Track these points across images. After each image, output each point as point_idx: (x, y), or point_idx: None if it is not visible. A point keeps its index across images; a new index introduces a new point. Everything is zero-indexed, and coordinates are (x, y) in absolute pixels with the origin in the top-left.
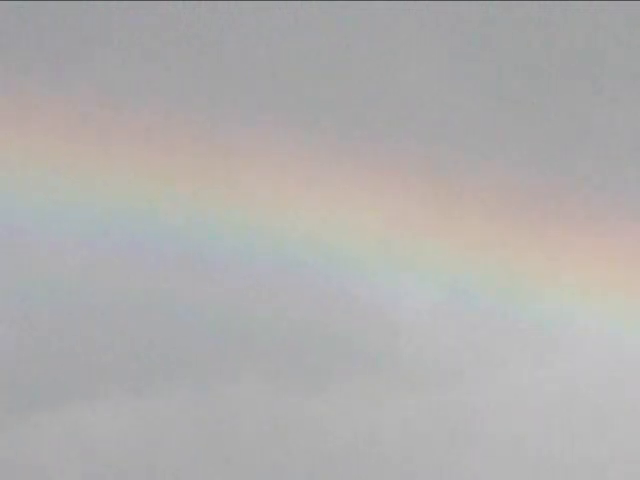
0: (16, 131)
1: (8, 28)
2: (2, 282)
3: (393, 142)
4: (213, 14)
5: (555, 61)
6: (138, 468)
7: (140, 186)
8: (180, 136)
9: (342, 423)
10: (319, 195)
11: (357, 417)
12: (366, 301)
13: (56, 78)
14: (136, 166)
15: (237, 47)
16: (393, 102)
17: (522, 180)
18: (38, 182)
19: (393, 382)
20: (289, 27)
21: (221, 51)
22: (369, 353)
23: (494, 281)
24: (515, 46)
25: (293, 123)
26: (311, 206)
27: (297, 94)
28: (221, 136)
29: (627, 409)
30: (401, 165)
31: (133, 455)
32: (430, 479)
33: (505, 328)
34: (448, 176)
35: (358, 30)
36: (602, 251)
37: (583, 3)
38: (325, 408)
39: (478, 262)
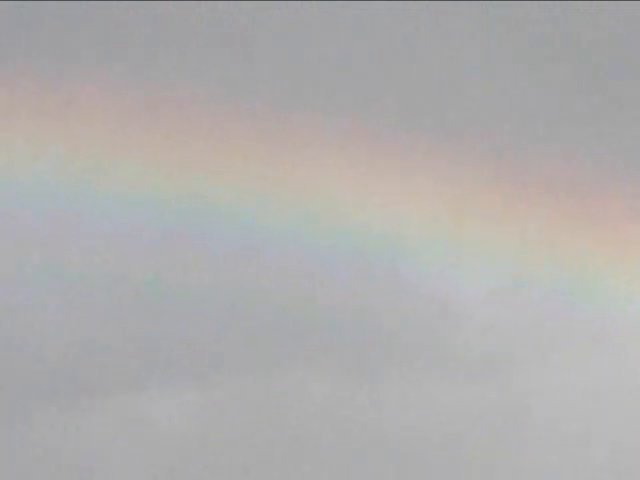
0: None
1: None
2: (54, 271)
3: (456, 129)
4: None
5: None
6: (185, 458)
7: (153, 177)
8: (194, 125)
9: (396, 414)
10: (376, 182)
11: (411, 407)
12: (422, 289)
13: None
14: (149, 156)
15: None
16: (454, 91)
17: (592, 169)
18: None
19: (445, 372)
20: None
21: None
22: (422, 343)
23: (551, 272)
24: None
25: (341, 110)
26: (359, 194)
27: (346, 82)
28: (236, 131)
29: None
30: (464, 151)
31: (180, 443)
32: (488, 464)
33: (562, 320)
34: (513, 163)
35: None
36: None
37: None
38: (378, 399)
39: (536, 252)
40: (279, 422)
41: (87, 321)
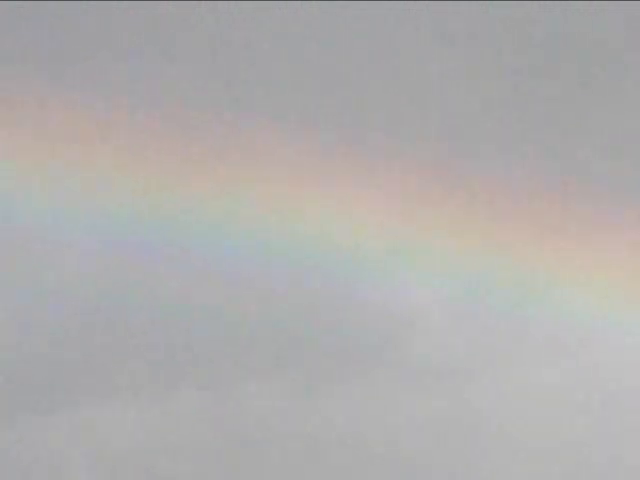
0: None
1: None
2: (17, 283)
3: (405, 145)
4: (220, 15)
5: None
6: (147, 469)
7: (150, 191)
8: (190, 139)
9: (350, 423)
10: (330, 196)
11: (365, 417)
12: (376, 301)
13: (59, 80)
14: (144, 170)
15: (246, 48)
16: (405, 106)
17: (534, 180)
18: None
19: (402, 382)
20: (299, 32)
21: (235, 52)
22: (378, 353)
23: (504, 281)
24: (524, 47)
25: (303, 126)
26: (322, 207)
27: (310, 100)
28: (232, 138)
29: (634, 410)
30: (413, 166)
31: (142, 456)
32: (442, 475)
33: (514, 328)
34: (459, 177)
35: (368, 36)
36: (616, 253)
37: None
38: (333, 408)
39: (489, 262)
40: (237, 435)
41: (46, 335)
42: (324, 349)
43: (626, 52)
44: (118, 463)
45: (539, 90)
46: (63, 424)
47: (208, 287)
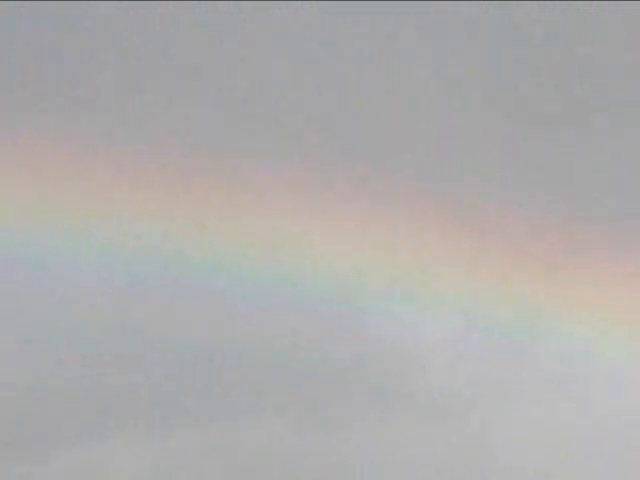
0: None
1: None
2: (10, 318)
3: (409, 179)
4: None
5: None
6: None
7: (124, 233)
8: (193, 176)
9: (357, 457)
10: (333, 230)
11: (373, 451)
12: (382, 336)
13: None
14: (145, 199)
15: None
16: (412, 140)
17: (539, 215)
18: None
19: (409, 415)
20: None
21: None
22: (385, 387)
23: (509, 315)
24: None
25: (305, 157)
26: (325, 241)
27: (310, 131)
28: (230, 170)
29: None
30: (417, 201)
31: None
32: None
33: (520, 361)
34: (463, 212)
35: (365, 58)
36: (621, 286)
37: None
38: (341, 443)
39: (493, 296)
40: (239, 468)
41: (45, 370)
42: (328, 384)
43: (627, 79)
44: None
45: (541, 133)
46: (56, 461)
47: (209, 323)
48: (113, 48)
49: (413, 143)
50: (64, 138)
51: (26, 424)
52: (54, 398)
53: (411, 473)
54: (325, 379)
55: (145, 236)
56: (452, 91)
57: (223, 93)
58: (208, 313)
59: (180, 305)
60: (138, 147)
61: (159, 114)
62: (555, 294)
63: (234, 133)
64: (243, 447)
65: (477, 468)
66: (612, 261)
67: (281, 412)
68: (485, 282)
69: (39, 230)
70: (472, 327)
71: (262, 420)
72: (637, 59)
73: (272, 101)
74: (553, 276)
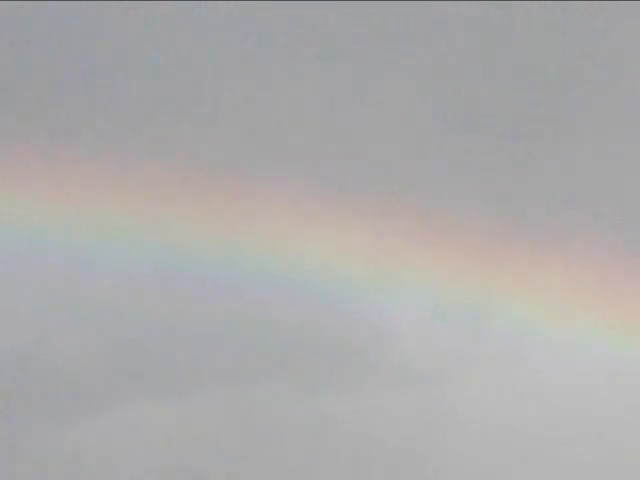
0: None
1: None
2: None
3: (389, 192)
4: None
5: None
6: (183, 461)
7: (151, 235)
8: (207, 191)
9: (343, 417)
10: (329, 233)
11: (362, 414)
12: (365, 319)
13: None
14: (166, 207)
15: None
16: (393, 163)
17: (493, 220)
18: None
19: (388, 382)
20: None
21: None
22: (369, 360)
23: (467, 302)
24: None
25: (308, 185)
26: (321, 246)
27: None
28: (240, 187)
29: (582, 400)
30: (394, 210)
31: (180, 451)
32: (422, 462)
33: (476, 338)
34: (432, 218)
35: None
36: (561, 276)
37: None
38: (336, 406)
39: (455, 287)
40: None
41: (99, 344)
42: (319, 358)
43: (574, 112)
44: (153, 454)
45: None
46: (105, 420)
47: (229, 308)
48: (134, 81)
49: (390, 164)
50: (110, 165)
51: (83, 388)
52: (103, 365)
53: (390, 428)
54: (317, 354)
55: (176, 242)
56: (419, 115)
57: (236, 126)
58: (227, 299)
59: (203, 293)
60: (167, 170)
61: (183, 142)
62: (504, 284)
63: (245, 158)
64: (254, 407)
65: (441, 423)
66: (550, 257)
67: (285, 383)
68: (448, 276)
69: (96, 240)
70: (437, 312)
71: (270, 389)
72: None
73: (279, 130)
74: (502, 270)
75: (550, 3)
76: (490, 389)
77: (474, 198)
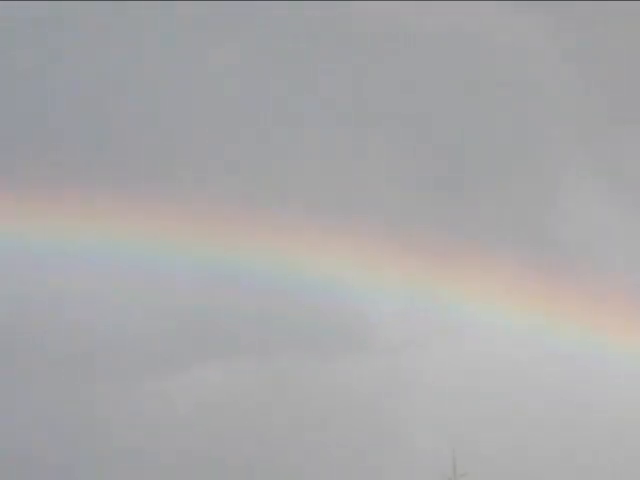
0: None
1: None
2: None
3: (373, 224)
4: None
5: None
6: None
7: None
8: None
9: (338, 381)
10: (321, 249)
11: (351, 376)
12: (354, 307)
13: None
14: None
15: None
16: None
17: (442, 243)
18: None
19: (370, 354)
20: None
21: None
22: (360, 336)
23: (427, 294)
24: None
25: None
26: (315, 255)
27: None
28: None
29: (503, 362)
30: (376, 236)
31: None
32: (392, 413)
33: (438, 322)
34: (402, 239)
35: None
36: (484, 279)
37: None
38: (333, 370)
39: (422, 285)
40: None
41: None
42: (329, 335)
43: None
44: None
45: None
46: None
47: (255, 299)
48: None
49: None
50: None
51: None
52: (165, 338)
53: (369, 386)
54: (323, 332)
55: (212, 254)
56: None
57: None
58: (257, 292)
59: (239, 287)
60: (208, 208)
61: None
62: (447, 284)
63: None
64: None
65: (409, 385)
66: (477, 266)
67: (297, 352)
68: (411, 279)
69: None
70: (406, 302)
71: (293, 354)
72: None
73: (289, 182)
74: (446, 275)
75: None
76: (444, 357)
77: (429, 227)
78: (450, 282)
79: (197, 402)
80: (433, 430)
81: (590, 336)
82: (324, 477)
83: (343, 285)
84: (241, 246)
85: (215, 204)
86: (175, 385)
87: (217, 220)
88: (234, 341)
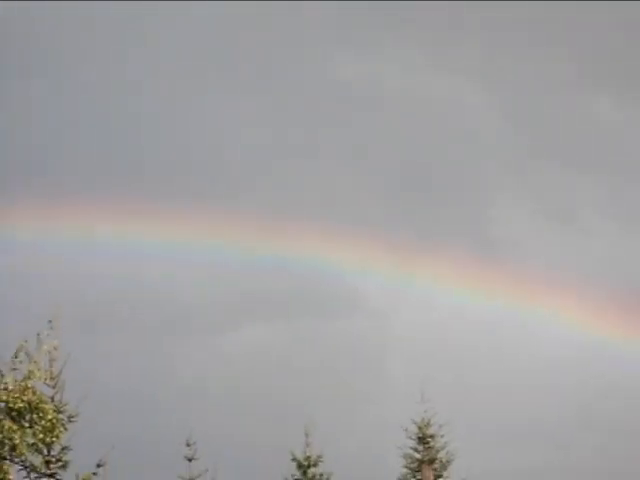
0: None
1: None
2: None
3: (365, 228)
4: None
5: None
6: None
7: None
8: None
9: (338, 335)
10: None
11: (349, 332)
12: (351, 283)
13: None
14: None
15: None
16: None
17: (414, 241)
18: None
19: (361, 316)
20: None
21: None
22: (353, 302)
23: (404, 274)
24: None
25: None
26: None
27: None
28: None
29: (466, 324)
30: (372, 238)
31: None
32: (376, 362)
33: (406, 293)
34: (384, 237)
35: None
36: (442, 265)
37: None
38: (335, 328)
39: (396, 267)
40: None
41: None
42: (337, 300)
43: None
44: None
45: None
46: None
47: (277, 274)
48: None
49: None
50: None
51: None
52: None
53: (361, 338)
54: (331, 298)
55: (254, 248)
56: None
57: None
58: (283, 274)
59: (270, 270)
60: (248, 217)
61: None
62: (417, 269)
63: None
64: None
65: (390, 337)
66: (438, 257)
67: (312, 312)
68: (391, 264)
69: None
70: (387, 280)
71: (307, 316)
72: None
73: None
74: (416, 263)
75: None
76: (414, 318)
77: (400, 230)
78: (416, 268)
79: (245, 352)
80: (407, 367)
81: (514, 308)
82: (329, 403)
83: (343, 269)
84: (273, 244)
85: (251, 213)
86: (229, 341)
87: (253, 224)
88: (270, 309)
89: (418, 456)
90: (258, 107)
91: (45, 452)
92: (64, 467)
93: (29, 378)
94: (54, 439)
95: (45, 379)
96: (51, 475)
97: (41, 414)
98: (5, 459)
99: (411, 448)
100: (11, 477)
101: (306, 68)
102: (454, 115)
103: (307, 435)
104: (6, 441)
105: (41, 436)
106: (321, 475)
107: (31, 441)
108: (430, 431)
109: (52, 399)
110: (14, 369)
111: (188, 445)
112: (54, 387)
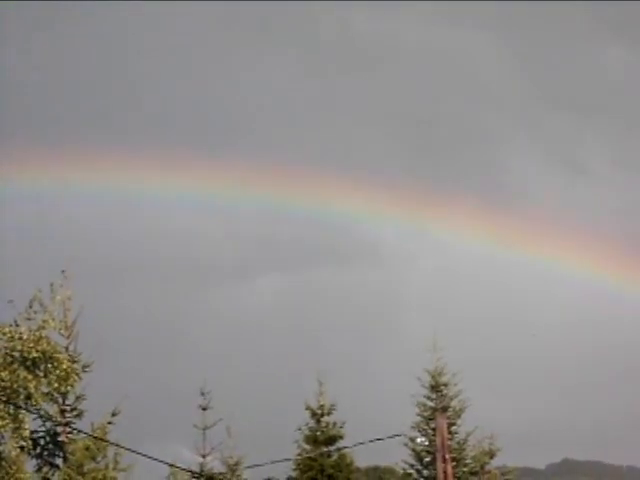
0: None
1: None
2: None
3: (382, 182)
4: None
5: None
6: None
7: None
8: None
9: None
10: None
11: (365, 277)
12: (367, 233)
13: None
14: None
15: None
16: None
17: (422, 193)
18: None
19: (377, 264)
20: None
21: None
22: (366, 250)
23: (414, 225)
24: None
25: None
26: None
27: None
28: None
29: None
30: (388, 188)
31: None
32: (389, 307)
33: (420, 242)
34: (397, 190)
35: None
36: (457, 216)
37: None
38: (353, 273)
39: (406, 218)
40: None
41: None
42: (346, 247)
43: None
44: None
45: None
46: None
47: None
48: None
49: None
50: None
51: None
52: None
53: (376, 281)
54: (342, 244)
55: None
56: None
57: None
58: (301, 224)
59: (288, 222)
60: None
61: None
62: (429, 218)
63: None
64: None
65: (404, 281)
66: (460, 204)
67: (325, 265)
68: (401, 215)
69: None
70: (398, 230)
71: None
72: None
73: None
74: (426, 211)
75: None
76: (428, 264)
77: (415, 181)
78: (429, 218)
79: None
80: (418, 310)
81: (520, 251)
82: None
83: (359, 220)
84: (289, 195)
85: (272, 168)
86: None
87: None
88: (286, 258)
89: (431, 404)
90: (277, 61)
91: (60, 401)
92: (79, 416)
93: (43, 328)
94: (69, 388)
95: (59, 329)
96: (66, 424)
97: (55, 363)
98: (20, 408)
99: (424, 396)
100: (27, 427)
101: (323, 20)
102: (469, 67)
103: (320, 384)
104: (21, 390)
105: (56, 385)
106: (334, 424)
107: (46, 390)
108: (443, 379)
109: (66, 349)
110: (29, 319)
111: (202, 394)
112: (68, 337)
